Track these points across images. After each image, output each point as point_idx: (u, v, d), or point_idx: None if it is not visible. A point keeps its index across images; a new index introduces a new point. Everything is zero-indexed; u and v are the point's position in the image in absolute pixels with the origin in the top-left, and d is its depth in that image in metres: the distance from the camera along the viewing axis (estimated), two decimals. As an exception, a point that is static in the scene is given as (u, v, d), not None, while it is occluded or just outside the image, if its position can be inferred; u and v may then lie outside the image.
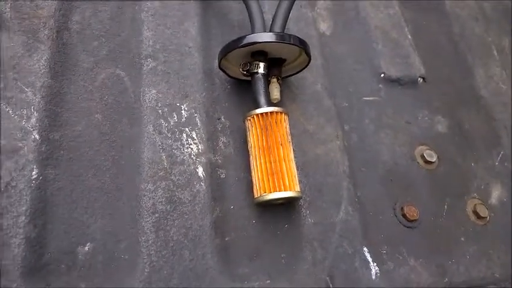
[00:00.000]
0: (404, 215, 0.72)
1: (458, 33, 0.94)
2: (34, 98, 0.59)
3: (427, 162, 0.78)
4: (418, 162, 0.78)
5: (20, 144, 0.56)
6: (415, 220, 0.72)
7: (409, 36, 0.87)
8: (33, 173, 0.55)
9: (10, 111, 0.57)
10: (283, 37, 0.63)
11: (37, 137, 0.57)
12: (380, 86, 0.83)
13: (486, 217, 0.76)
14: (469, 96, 0.88)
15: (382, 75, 0.83)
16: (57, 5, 0.66)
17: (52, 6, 0.66)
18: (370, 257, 0.65)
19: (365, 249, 0.65)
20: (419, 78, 0.85)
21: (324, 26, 0.85)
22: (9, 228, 0.51)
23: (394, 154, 0.77)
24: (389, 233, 0.70)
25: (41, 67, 0.61)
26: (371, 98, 0.81)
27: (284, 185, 0.60)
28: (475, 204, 0.77)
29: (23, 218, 0.52)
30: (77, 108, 0.62)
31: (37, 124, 0.58)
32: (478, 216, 0.76)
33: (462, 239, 0.73)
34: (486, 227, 0.76)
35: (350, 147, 0.75)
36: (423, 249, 0.70)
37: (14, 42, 0.61)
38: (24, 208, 0.53)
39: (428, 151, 0.79)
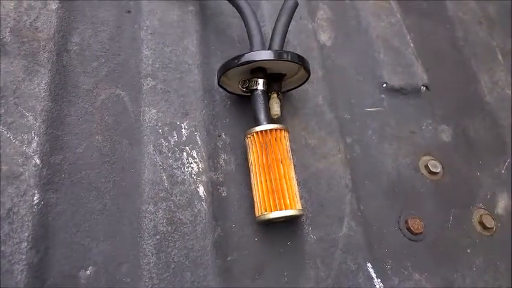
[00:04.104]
0: (408, 228, 0.71)
1: (462, 38, 0.93)
2: (35, 122, 0.59)
3: (431, 172, 0.77)
4: (422, 173, 0.77)
5: (21, 170, 0.56)
6: (420, 233, 0.71)
7: (412, 45, 0.86)
8: (35, 198, 0.55)
9: (11, 137, 0.58)
10: (281, 54, 0.63)
11: (38, 161, 0.57)
12: (382, 96, 0.82)
13: (492, 227, 0.75)
14: (474, 103, 0.87)
15: (385, 85, 0.82)
16: (56, 27, 0.67)
17: (51, 29, 0.66)
18: (374, 272, 0.65)
19: (369, 265, 0.65)
20: (422, 87, 0.84)
21: (324, 37, 0.84)
22: (11, 254, 0.52)
23: (398, 165, 0.76)
24: (393, 247, 0.69)
25: (41, 91, 0.62)
26: (374, 109, 0.80)
27: (285, 203, 0.60)
28: (481, 215, 0.76)
29: (25, 244, 0.52)
30: (78, 131, 0.63)
31: (38, 149, 0.58)
32: (484, 227, 0.75)
33: (468, 250, 0.72)
34: (493, 238, 0.75)
35: (353, 159, 0.74)
36: (428, 263, 0.69)
37: (14, 66, 0.62)
38: (26, 234, 0.53)
39: (432, 161, 0.78)
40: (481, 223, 0.75)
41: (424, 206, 0.74)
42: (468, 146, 0.82)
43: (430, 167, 0.77)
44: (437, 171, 0.77)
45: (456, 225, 0.74)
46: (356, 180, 0.72)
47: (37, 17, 0.66)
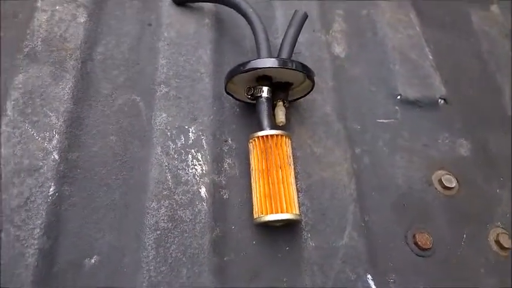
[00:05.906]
0: (416, 243, 0.69)
1: (487, 51, 0.90)
2: (57, 121, 0.65)
3: (445, 187, 0.75)
4: (435, 188, 0.75)
5: (41, 163, 0.62)
6: (429, 249, 0.69)
7: (430, 57, 0.85)
8: (51, 189, 0.61)
9: (34, 134, 0.64)
10: (285, 63, 0.65)
11: (56, 157, 0.63)
12: (396, 108, 0.81)
13: (510, 248, 0.71)
14: (496, 117, 0.83)
15: (399, 97, 0.81)
16: (83, 38, 0.73)
17: (79, 39, 0.73)
18: (374, 284, 0.63)
19: (369, 276, 0.64)
20: (439, 100, 0.82)
21: (339, 49, 0.85)
22: (25, 239, 0.57)
23: (409, 178, 0.75)
24: (399, 262, 0.67)
25: (65, 94, 0.68)
26: (386, 121, 0.80)
27: (281, 207, 0.61)
28: (498, 234, 0.72)
29: (38, 230, 0.58)
30: (95, 131, 0.68)
31: (57, 145, 0.64)
32: (501, 247, 0.71)
33: (482, 270, 0.69)
34: (510, 259, 0.70)
35: (361, 170, 0.74)
36: (436, 280, 0.67)
37: (42, 72, 0.69)
38: (39, 221, 0.58)
39: (447, 176, 0.76)
40: (498, 242, 0.71)
41: (435, 221, 0.72)
42: (488, 161, 0.79)
43: (444, 182, 0.75)
44: (452, 186, 0.75)
45: (470, 243, 0.71)
46: (363, 191, 0.72)
47: (66, 29, 0.73)
